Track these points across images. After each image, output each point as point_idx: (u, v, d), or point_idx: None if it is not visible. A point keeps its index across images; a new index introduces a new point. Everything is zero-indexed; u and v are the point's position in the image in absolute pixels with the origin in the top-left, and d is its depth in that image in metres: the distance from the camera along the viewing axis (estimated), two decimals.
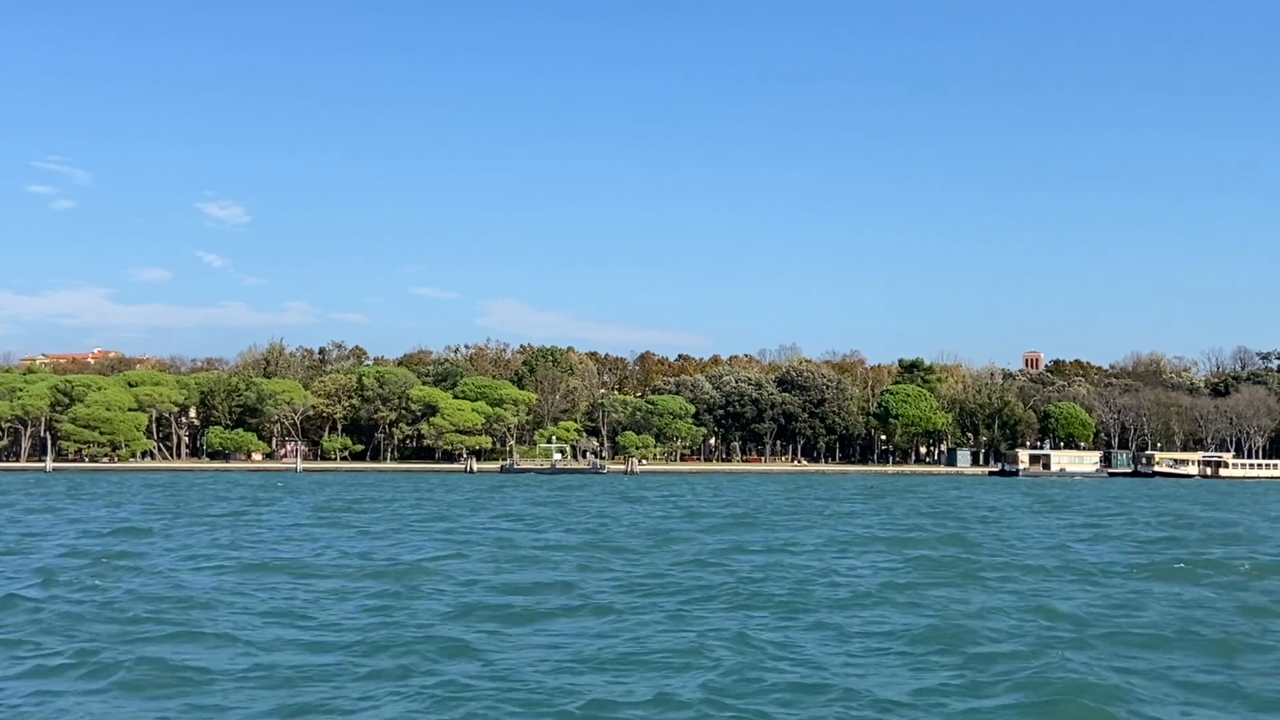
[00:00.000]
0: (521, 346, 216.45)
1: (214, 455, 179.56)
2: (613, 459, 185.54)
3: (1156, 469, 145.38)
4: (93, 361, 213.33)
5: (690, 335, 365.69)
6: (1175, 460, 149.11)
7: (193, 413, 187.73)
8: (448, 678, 18.88)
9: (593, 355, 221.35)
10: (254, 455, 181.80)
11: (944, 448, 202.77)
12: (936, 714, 17.07)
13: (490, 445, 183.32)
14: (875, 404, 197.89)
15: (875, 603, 28.34)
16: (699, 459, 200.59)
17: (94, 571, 33.46)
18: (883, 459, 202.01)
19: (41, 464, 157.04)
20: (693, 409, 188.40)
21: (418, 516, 62.04)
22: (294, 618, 25.15)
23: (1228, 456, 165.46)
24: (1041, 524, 60.96)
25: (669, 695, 17.82)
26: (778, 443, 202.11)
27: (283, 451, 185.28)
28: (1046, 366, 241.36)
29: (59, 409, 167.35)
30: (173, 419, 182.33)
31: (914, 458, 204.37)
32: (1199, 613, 27.26)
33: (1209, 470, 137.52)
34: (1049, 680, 18.81)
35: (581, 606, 27.20)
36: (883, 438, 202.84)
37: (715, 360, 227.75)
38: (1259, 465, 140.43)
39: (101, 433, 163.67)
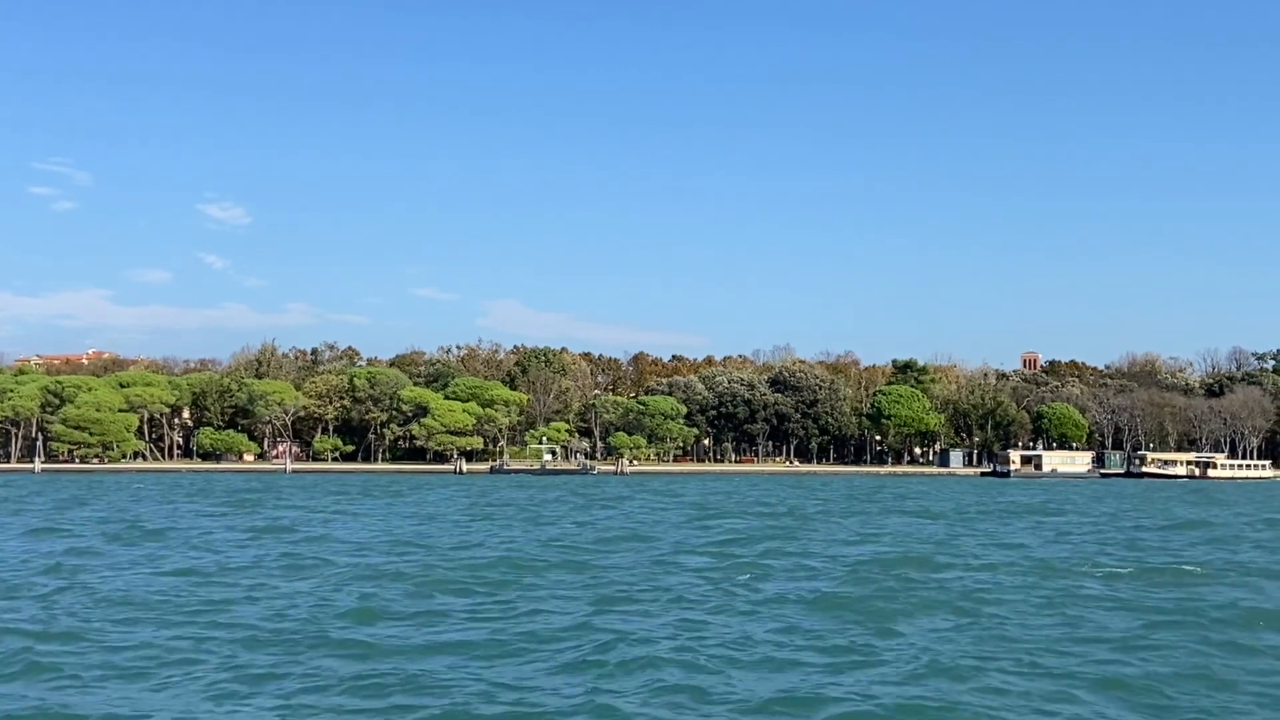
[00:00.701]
0: (515, 347, 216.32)
1: (205, 456, 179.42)
2: (605, 460, 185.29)
3: (1144, 470, 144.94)
4: (86, 362, 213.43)
5: (691, 336, 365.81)
6: (1163, 461, 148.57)
7: (186, 414, 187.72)
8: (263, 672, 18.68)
9: (586, 356, 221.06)
10: (246, 456, 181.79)
11: (938, 448, 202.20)
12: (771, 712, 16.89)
13: (482, 446, 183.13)
14: (868, 405, 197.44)
15: (791, 604, 28.05)
16: (692, 460, 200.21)
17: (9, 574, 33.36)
18: (878, 460, 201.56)
19: (30, 465, 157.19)
20: (684, 409, 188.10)
21: (362, 514, 61.86)
22: (164, 615, 24.98)
23: (1220, 458, 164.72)
24: (1003, 526, 60.65)
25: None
26: (771, 443, 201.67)
27: (274, 452, 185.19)
28: (1042, 367, 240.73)
29: (49, 410, 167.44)
30: (164, 420, 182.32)
31: (908, 459, 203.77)
32: (1116, 612, 26.95)
33: (1197, 471, 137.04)
34: (916, 678, 18.59)
35: (487, 608, 26.98)
36: (878, 438, 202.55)
37: (709, 361, 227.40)
38: (1246, 466, 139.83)
39: (91, 434, 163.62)
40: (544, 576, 33.53)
